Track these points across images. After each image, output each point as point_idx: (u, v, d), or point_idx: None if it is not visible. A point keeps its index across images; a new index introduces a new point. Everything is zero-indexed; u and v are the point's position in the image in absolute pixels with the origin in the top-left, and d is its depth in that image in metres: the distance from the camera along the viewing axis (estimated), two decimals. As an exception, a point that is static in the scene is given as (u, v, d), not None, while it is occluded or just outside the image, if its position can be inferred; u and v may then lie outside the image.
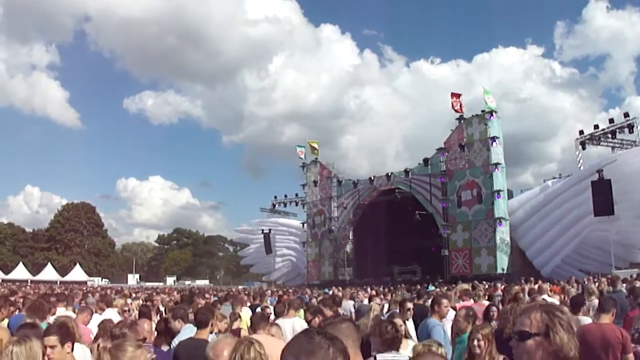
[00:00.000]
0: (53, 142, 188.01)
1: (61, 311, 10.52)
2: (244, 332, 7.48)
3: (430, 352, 4.41)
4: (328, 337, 2.20)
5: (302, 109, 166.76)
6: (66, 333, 5.08)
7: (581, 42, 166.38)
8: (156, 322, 8.53)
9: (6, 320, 7.23)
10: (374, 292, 22.84)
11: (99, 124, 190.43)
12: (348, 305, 15.38)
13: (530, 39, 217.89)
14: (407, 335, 6.78)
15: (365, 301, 16.52)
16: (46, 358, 4.70)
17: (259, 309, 11.28)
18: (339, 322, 3.55)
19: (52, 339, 4.89)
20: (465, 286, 16.92)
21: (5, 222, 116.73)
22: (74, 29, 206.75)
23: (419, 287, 25.08)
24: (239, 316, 10.21)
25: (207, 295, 22.48)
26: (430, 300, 12.87)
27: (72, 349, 5.10)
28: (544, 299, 12.29)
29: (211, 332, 6.88)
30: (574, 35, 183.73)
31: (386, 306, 13.45)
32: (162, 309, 12.54)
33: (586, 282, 23.10)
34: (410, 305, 10.24)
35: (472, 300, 12.42)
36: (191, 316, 7.64)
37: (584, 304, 9.66)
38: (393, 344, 5.61)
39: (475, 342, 5.72)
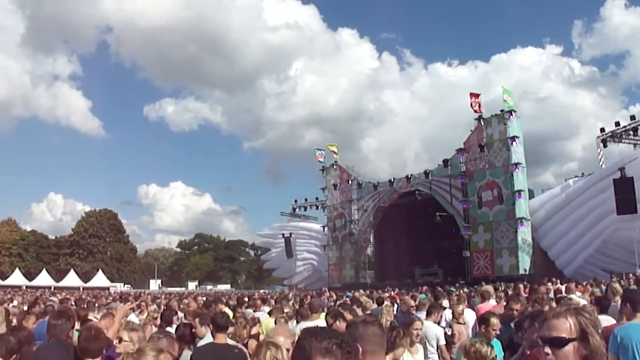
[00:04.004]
0: (75, 150, 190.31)
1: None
2: (262, 337, 7.46)
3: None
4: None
5: (321, 113, 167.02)
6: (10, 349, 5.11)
7: (600, 40, 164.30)
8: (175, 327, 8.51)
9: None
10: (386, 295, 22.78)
11: (121, 132, 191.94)
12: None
13: (549, 38, 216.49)
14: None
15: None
16: None
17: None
18: (361, 324, 3.53)
19: None
20: (490, 288, 16.71)
21: (28, 230, 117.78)
22: (96, 40, 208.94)
23: (439, 289, 24.97)
24: (258, 321, 10.19)
25: (230, 301, 22.50)
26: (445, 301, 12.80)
27: None
28: (570, 298, 12.17)
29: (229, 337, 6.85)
30: (592, 33, 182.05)
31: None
32: (180, 314, 12.50)
33: (611, 282, 22.84)
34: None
35: (492, 302, 12.26)
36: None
37: (609, 305, 9.53)
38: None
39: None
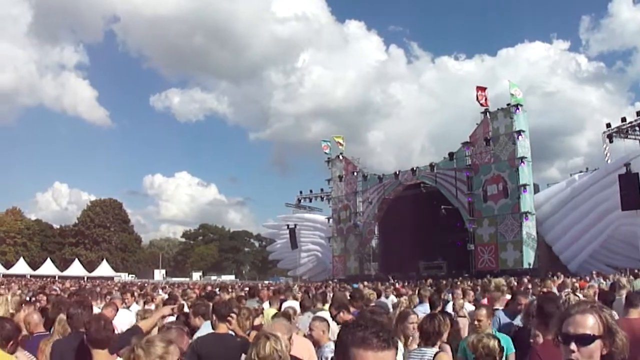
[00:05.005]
0: (81, 140, 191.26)
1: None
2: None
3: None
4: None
5: (328, 105, 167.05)
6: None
7: (607, 36, 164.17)
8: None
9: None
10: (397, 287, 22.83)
11: (127, 121, 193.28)
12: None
13: (556, 33, 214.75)
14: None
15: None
16: None
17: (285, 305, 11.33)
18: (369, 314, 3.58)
19: None
20: (501, 281, 16.74)
21: (33, 219, 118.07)
22: (103, 30, 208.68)
23: (443, 282, 25.03)
24: (262, 312, 10.25)
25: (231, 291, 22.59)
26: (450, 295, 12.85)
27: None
28: (570, 292, 12.19)
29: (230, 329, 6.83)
30: (600, 29, 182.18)
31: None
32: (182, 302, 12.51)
33: (617, 276, 22.85)
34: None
35: (507, 296, 12.29)
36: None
37: (614, 299, 9.58)
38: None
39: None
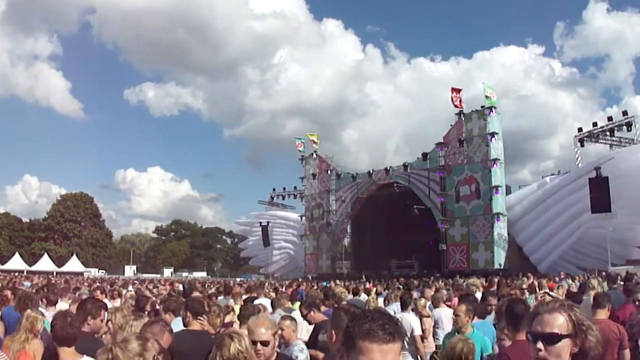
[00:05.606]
0: (53, 132, 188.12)
1: (62, 305, 10.45)
2: (236, 326, 7.40)
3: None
4: None
5: (304, 102, 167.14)
6: None
7: (581, 42, 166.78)
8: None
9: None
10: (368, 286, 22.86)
11: (100, 114, 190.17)
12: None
13: (531, 38, 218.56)
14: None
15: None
16: None
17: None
18: (342, 312, 3.54)
19: None
20: (475, 281, 16.82)
21: (1, 212, 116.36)
22: (79, 21, 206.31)
23: (415, 281, 25.11)
24: (233, 309, 10.19)
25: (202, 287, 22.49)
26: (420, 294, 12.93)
27: None
28: (546, 292, 12.31)
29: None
30: (574, 35, 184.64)
31: (380, 300, 13.41)
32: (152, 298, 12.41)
33: (587, 278, 23.10)
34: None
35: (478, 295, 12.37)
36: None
37: (581, 300, 9.66)
38: None
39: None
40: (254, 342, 4.51)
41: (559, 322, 2.59)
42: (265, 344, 4.56)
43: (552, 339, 2.57)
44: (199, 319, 6.57)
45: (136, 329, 4.82)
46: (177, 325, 6.72)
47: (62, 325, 4.97)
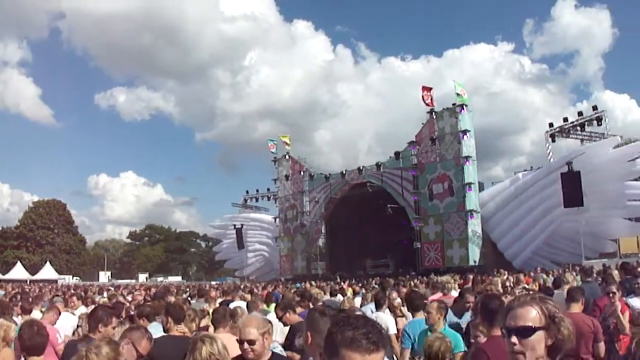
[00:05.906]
0: (24, 139, 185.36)
1: (36, 314, 10.28)
2: (211, 330, 7.30)
3: None
4: None
5: (275, 105, 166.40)
6: None
7: (550, 39, 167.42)
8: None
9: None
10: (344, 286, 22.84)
11: (71, 120, 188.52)
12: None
13: (501, 35, 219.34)
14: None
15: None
16: None
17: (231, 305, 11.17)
18: (317, 314, 3.48)
19: None
20: (448, 278, 16.82)
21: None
22: (48, 26, 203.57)
23: (391, 280, 25.10)
24: (208, 313, 10.07)
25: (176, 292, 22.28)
26: (395, 293, 12.88)
27: None
28: (524, 288, 12.32)
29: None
30: (542, 32, 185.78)
31: (358, 300, 13.35)
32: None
33: (562, 272, 23.24)
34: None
35: (440, 293, 12.35)
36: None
37: (553, 294, 9.69)
38: None
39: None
40: (241, 342, 4.46)
41: (532, 315, 2.58)
42: (251, 342, 4.45)
43: (525, 332, 2.56)
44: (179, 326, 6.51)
45: (116, 336, 4.74)
46: (155, 330, 6.61)
47: (29, 335, 4.86)
